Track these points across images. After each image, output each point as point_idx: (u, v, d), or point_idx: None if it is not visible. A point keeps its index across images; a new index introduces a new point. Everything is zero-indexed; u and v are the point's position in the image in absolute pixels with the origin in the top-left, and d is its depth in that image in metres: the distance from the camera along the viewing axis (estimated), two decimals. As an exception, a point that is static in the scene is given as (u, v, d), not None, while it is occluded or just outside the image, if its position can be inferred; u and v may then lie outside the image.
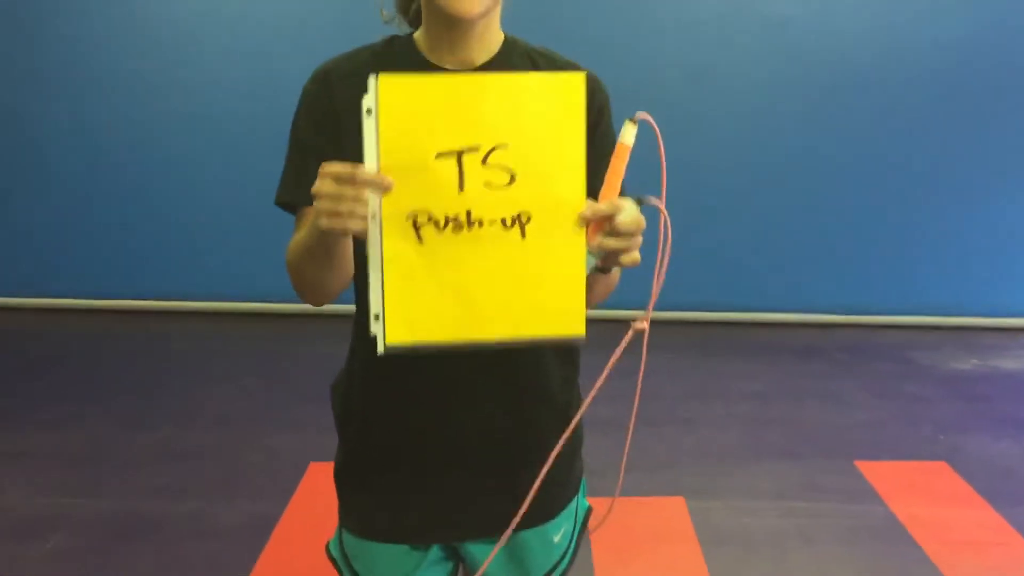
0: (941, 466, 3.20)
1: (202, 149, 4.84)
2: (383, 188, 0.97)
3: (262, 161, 4.71)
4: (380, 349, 1.02)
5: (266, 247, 4.84)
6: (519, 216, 1.01)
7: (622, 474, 1.24)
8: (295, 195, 1.20)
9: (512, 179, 1.00)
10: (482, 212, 1.01)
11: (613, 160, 1.08)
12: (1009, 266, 4.91)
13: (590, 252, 1.04)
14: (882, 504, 2.89)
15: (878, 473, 3.12)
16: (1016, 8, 4.60)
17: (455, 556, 1.33)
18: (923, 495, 2.96)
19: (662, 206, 1.06)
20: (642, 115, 1.06)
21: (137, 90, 4.80)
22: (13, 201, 4.94)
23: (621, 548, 2.65)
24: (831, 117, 4.75)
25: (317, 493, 2.84)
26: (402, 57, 1.20)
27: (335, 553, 1.34)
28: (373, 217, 0.98)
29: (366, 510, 1.29)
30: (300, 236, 1.15)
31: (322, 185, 0.96)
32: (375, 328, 1.01)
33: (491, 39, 1.20)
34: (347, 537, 1.31)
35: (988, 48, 4.64)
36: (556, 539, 1.32)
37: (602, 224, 1.02)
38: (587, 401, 1.14)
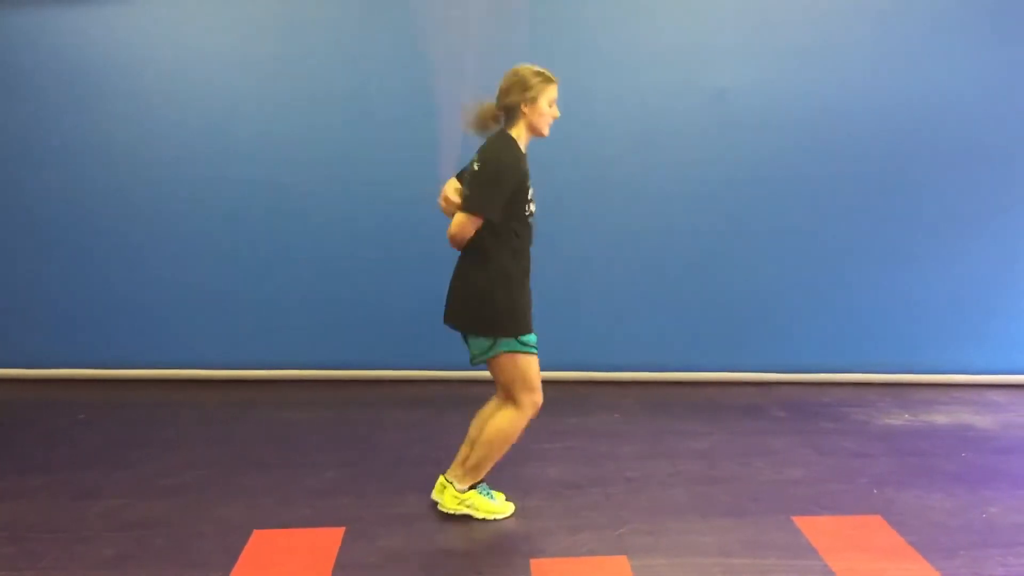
0: (877, 520, 3.30)
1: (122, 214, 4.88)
2: None
3: (219, 231, 4.78)
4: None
5: (212, 312, 4.86)
6: None
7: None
8: (493, 214, 2.89)
9: None
10: None
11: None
12: (937, 324, 5.11)
13: None
14: (820, 559, 2.97)
15: (816, 528, 3.21)
16: (946, 77, 4.90)
17: None
18: (859, 549, 3.05)
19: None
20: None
21: (134, 161, 4.86)
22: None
23: (568, 609, 2.70)
24: (768, 184, 4.95)
25: (259, 560, 2.85)
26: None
27: (519, 347, 2.99)
28: None
29: (528, 320, 3.02)
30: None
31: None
32: None
33: None
34: (523, 337, 2.99)
35: (914, 117, 4.89)
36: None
37: None
38: None
